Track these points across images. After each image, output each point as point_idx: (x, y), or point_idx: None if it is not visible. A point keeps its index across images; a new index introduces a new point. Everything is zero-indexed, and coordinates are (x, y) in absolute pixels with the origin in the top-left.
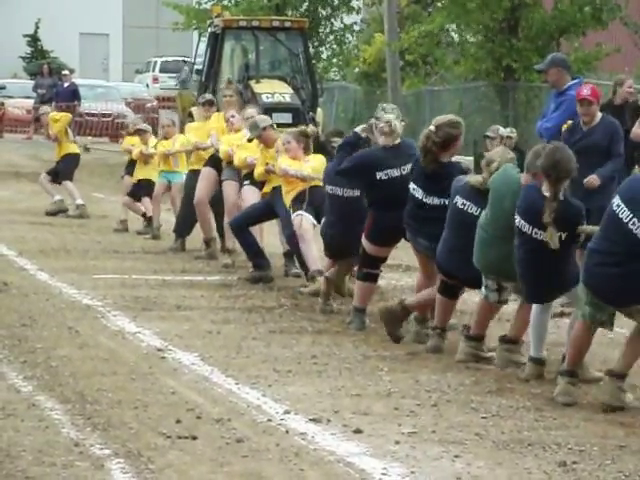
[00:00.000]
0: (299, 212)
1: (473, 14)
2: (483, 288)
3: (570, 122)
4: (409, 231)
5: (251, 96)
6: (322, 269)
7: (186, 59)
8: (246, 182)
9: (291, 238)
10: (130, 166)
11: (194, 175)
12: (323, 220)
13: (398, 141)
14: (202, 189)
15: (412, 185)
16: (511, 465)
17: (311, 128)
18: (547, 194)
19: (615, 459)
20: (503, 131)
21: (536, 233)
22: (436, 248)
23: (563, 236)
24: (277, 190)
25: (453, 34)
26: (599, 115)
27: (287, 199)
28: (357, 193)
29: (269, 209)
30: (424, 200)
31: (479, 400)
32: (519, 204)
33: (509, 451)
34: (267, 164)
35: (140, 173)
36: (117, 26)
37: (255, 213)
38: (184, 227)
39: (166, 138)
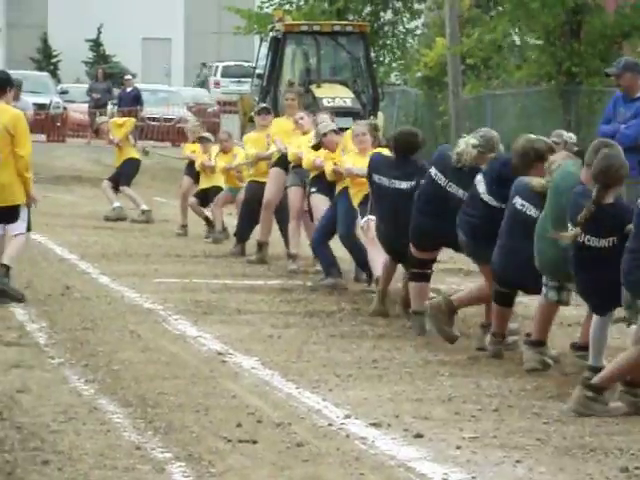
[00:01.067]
0: (368, 216)
1: (535, 16)
2: (544, 287)
3: None
4: (458, 224)
5: (312, 100)
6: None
7: (245, 63)
8: (313, 189)
9: (345, 238)
10: (190, 167)
11: (255, 185)
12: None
13: None
14: (272, 191)
15: (478, 177)
16: (573, 471)
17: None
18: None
19: None
20: (567, 135)
21: (589, 240)
22: (471, 244)
23: (614, 241)
24: (344, 191)
25: (515, 37)
26: None
27: (355, 200)
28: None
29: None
30: (482, 196)
31: (541, 405)
32: (569, 210)
33: (571, 457)
34: (335, 164)
35: (205, 182)
36: (179, 31)
37: (330, 225)
38: (245, 231)
39: (224, 152)
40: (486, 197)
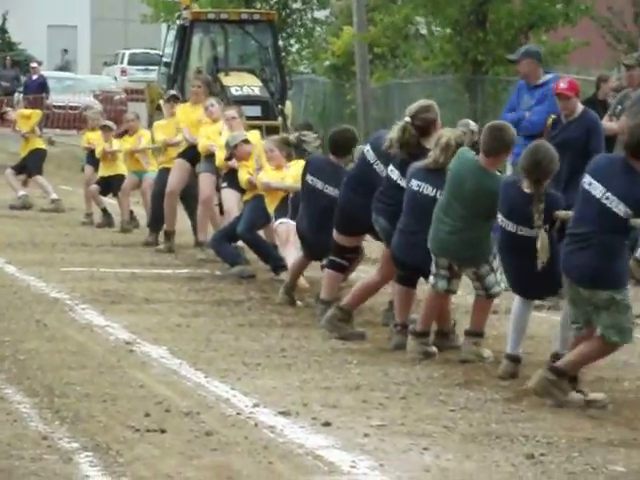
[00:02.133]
0: (282, 220)
1: (441, 6)
2: (431, 277)
3: (554, 116)
4: (374, 211)
5: (220, 89)
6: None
7: (152, 51)
8: (224, 184)
9: (244, 234)
10: (91, 156)
11: (165, 172)
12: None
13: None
14: (175, 180)
15: (390, 167)
16: (479, 457)
17: (293, 135)
18: (528, 191)
19: (583, 451)
20: (473, 125)
21: (521, 230)
22: (392, 229)
23: (545, 229)
24: (255, 197)
25: (421, 27)
26: (580, 109)
27: (270, 207)
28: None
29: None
30: (398, 182)
31: (447, 393)
32: (500, 203)
33: (477, 444)
34: (250, 174)
35: (105, 170)
36: (85, 18)
37: (234, 228)
38: (158, 221)
39: (128, 132)
40: (403, 182)
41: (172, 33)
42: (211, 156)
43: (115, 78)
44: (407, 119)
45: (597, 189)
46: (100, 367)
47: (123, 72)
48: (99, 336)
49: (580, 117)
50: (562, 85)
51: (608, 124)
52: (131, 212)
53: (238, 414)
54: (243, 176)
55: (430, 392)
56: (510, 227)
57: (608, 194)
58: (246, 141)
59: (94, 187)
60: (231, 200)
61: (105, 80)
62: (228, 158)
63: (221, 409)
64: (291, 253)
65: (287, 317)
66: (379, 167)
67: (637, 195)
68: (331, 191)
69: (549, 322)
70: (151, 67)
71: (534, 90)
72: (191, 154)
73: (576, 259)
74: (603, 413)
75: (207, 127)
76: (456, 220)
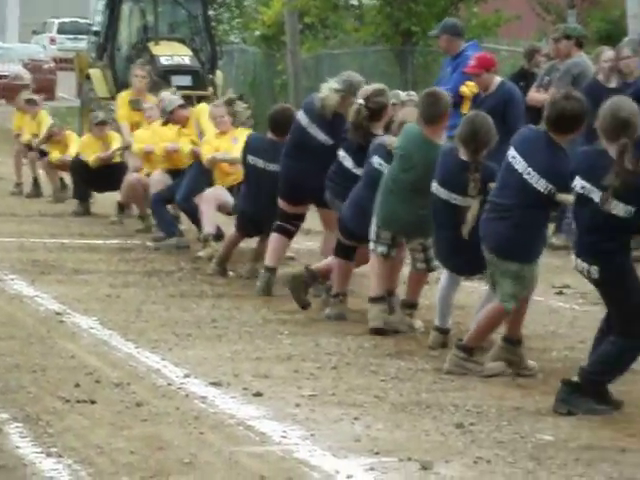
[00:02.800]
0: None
1: None
2: (372, 243)
3: (470, 83)
4: (330, 191)
5: (150, 58)
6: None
7: (82, 20)
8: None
9: (181, 203)
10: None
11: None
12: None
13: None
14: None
15: (342, 152)
16: (409, 427)
17: (229, 94)
18: (465, 158)
19: (511, 420)
20: (403, 95)
21: (455, 199)
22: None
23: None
24: (197, 165)
25: None
26: (497, 81)
27: (220, 183)
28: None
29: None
30: (353, 171)
31: (378, 363)
32: (437, 171)
33: (407, 413)
34: (194, 143)
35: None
36: None
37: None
38: (81, 190)
39: (53, 139)
40: (358, 171)
41: (102, 2)
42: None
43: (44, 47)
44: (360, 101)
45: (520, 163)
46: (30, 338)
47: (52, 41)
48: (28, 307)
49: (497, 90)
50: (470, 63)
51: (536, 95)
52: (61, 180)
53: (169, 385)
54: (205, 156)
55: (361, 362)
56: (444, 195)
57: (529, 169)
58: (183, 106)
59: (33, 154)
60: (157, 179)
61: (34, 49)
62: (165, 123)
63: (152, 380)
64: (210, 211)
65: (218, 288)
66: (313, 130)
67: (558, 170)
68: (273, 168)
69: (479, 292)
70: (80, 36)
71: (452, 61)
72: None
73: (493, 228)
74: (532, 382)
75: (143, 131)
76: (406, 192)
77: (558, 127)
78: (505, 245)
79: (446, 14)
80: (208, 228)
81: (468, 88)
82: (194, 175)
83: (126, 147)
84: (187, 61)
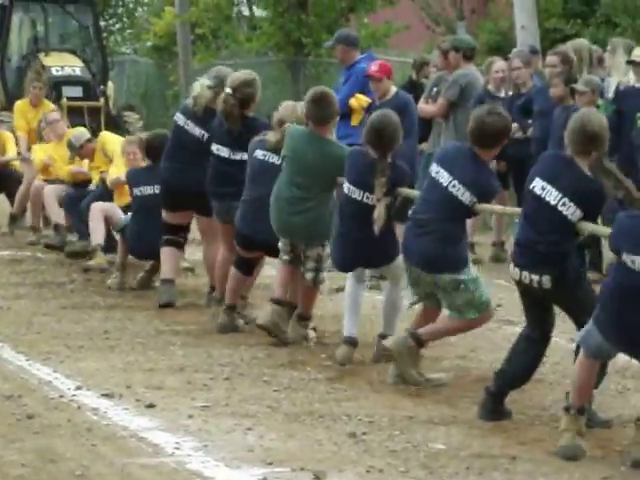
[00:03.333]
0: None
1: None
2: (281, 252)
3: (359, 94)
4: (214, 198)
5: (41, 69)
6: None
7: None
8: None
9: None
10: None
11: None
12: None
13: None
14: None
15: (215, 146)
16: (302, 437)
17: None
18: (375, 156)
19: (404, 429)
20: (296, 108)
21: (367, 197)
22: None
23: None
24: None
25: (243, 9)
26: (393, 90)
27: (118, 202)
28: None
29: None
30: (231, 157)
31: (271, 373)
32: (348, 171)
33: (300, 423)
34: (102, 171)
35: None
36: None
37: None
38: None
39: None
40: (236, 157)
41: None
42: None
43: None
44: (228, 90)
45: (443, 177)
46: None
47: None
48: None
49: (392, 98)
50: (373, 67)
51: (425, 106)
52: None
53: (61, 397)
54: (110, 179)
55: (254, 373)
56: (356, 195)
57: (455, 182)
58: (89, 140)
59: None
60: (50, 193)
61: None
62: (72, 158)
63: (43, 392)
64: (100, 225)
65: (110, 299)
66: (189, 127)
67: (481, 182)
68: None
69: (371, 302)
70: None
71: (347, 71)
72: None
73: (416, 245)
74: (423, 391)
75: (44, 144)
76: (302, 197)
77: (481, 142)
78: (430, 260)
79: (337, 25)
80: (97, 238)
81: (357, 101)
82: (98, 193)
83: (22, 158)
84: (78, 72)
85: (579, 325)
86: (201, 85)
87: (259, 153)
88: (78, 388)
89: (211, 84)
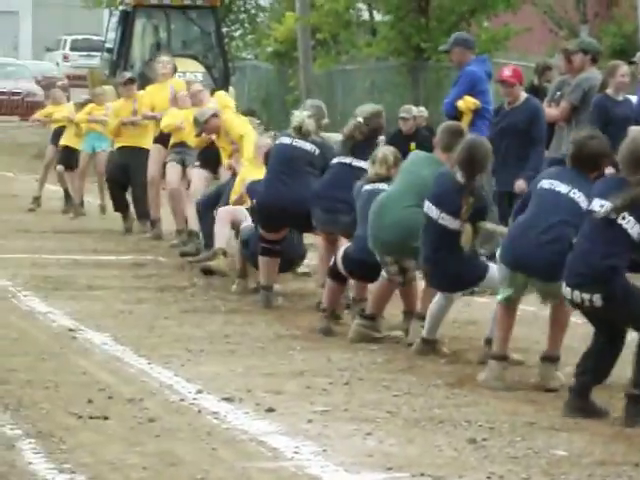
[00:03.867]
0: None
1: None
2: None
3: (467, 97)
4: (327, 213)
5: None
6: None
7: (95, 37)
8: (197, 164)
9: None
10: (55, 136)
11: (122, 152)
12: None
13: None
14: (154, 167)
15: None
16: (422, 442)
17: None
18: (462, 181)
19: (525, 435)
20: (415, 111)
21: (443, 219)
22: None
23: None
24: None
25: (362, 14)
26: (523, 96)
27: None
28: None
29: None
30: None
31: (391, 378)
32: (433, 189)
33: (420, 428)
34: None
35: (68, 140)
36: (27, 3)
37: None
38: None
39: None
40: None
41: (114, 19)
42: (179, 145)
43: (57, 64)
44: (360, 120)
45: (561, 186)
46: (43, 354)
47: (65, 58)
48: (41, 323)
49: (523, 104)
50: (506, 72)
51: (548, 110)
52: (66, 191)
53: (181, 400)
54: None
55: (373, 377)
56: (433, 213)
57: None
58: (215, 115)
59: (60, 168)
60: (196, 180)
61: (47, 66)
62: (198, 134)
63: (164, 395)
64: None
65: (231, 303)
66: (298, 143)
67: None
68: None
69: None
70: (93, 53)
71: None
72: (164, 140)
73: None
74: (545, 397)
75: (174, 110)
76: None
77: (582, 165)
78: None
79: (457, 29)
80: (220, 242)
81: (465, 103)
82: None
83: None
84: (199, 77)
85: None
86: (301, 117)
87: (367, 187)
88: (199, 392)
89: (310, 113)
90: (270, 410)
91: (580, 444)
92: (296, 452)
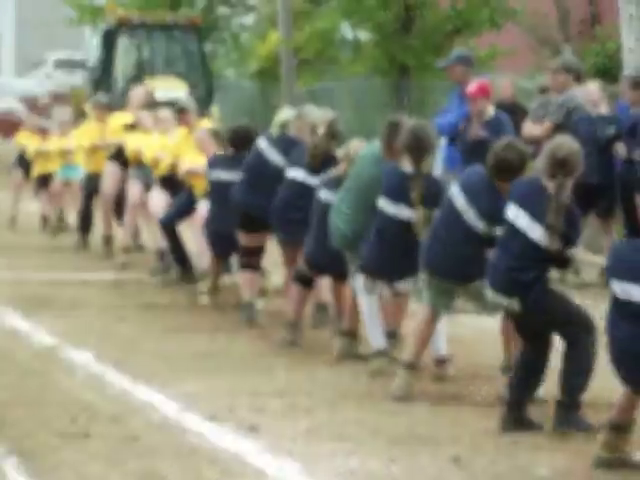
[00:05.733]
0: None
1: (369, 11)
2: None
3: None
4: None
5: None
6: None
7: (77, 55)
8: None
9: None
10: (21, 159)
11: (94, 176)
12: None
13: None
14: (108, 185)
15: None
16: (405, 461)
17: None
18: (409, 170)
19: (508, 454)
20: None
21: (398, 211)
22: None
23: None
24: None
25: (346, 33)
26: (491, 111)
27: (197, 193)
28: None
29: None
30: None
31: (374, 396)
32: (384, 185)
33: (403, 447)
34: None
35: (41, 168)
36: (9, 22)
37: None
38: (86, 224)
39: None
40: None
41: (97, 37)
42: (140, 163)
43: (40, 82)
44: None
45: (459, 201)
46: (25, 372)
47: (48, 76)
48: (23, 341)
49: (492, 119)
50: (471, 88)
51: (531, 128)
52: (61, 211)
53: (165, 419)
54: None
55: (356, 396)
56: (391, 209)
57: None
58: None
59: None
60: (157, 202)
61: (29, 83)
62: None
63: (147, 414)
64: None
65: (214, 322)
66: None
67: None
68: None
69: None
70: (76, 70)
71: (460, 94)
72: (122, 157)
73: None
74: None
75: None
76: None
77: (497, 174)
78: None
79: (442, 48)
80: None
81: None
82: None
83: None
84: (182, 94)
85: (572, 343)
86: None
87: (324, 194)
88: (182, 410)
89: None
90: (253, 429)
91: (563, 463)
92: (280, 470)
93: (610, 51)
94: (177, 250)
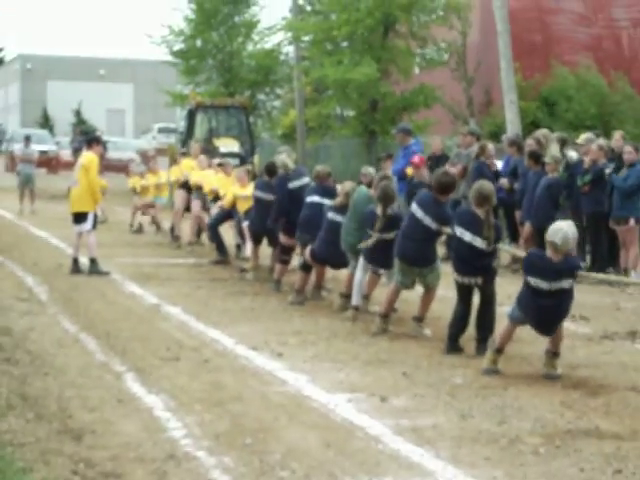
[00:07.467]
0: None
1: (351, 99)
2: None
3: (410, 168)
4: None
5: (213, 148)
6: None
7: (172, 125)
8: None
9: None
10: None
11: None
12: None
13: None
14: (179, 203)
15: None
16: (373, 375)
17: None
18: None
19: (437, 370)
20: (371, 170)
21: (382, 235)
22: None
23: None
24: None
25: (336, 111)
26: (425, 173)
27: (240, 209)
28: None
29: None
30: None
31: (356, 335)
32: (367, 219)
33: (372, 366)
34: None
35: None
36: (130, 103)
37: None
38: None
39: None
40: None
41: (184, 113)
42: (199, 188)
43: (149, 141)
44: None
45: (419, 212)
46: (139, 320)
47: (154, 138)
48: (138, 300)
49: (423, 179)
50: (416, 159)
51: (451, 169)
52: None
53: (225, 348)
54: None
55: (345, 335)
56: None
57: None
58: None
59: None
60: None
61: (143, 142)
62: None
63: (214, 346)
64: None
65: (254, 288)
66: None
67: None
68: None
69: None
70: (171, 134)
71: (403, 150)
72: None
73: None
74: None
75: (199, 171)
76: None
77: (439, 191)
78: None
79: (396, 120)
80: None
81: (409, 170)
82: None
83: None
84: (236, 149)
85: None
86: (281, 157)
87: (330, 214)
88: (236, 343)
89: (285, 154)
90: (280, 355)
91: (471, 374)
92: (296, 381)
93: (499, 122)
94: (218, 244)
